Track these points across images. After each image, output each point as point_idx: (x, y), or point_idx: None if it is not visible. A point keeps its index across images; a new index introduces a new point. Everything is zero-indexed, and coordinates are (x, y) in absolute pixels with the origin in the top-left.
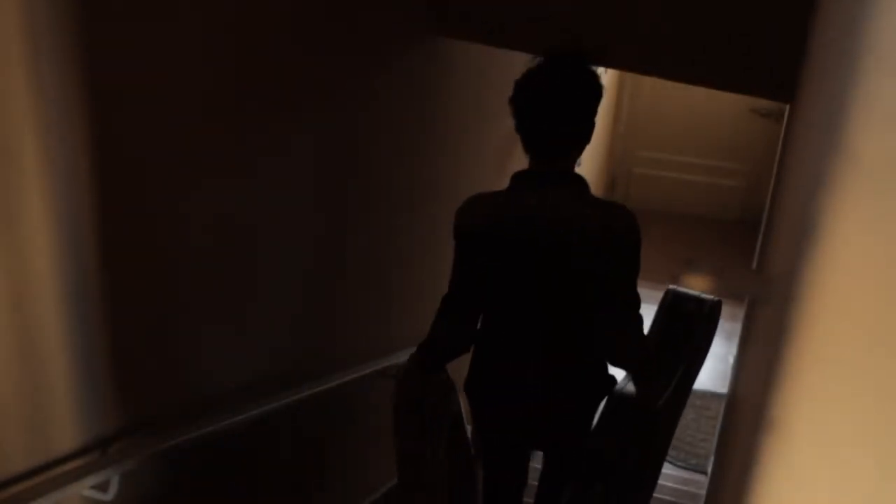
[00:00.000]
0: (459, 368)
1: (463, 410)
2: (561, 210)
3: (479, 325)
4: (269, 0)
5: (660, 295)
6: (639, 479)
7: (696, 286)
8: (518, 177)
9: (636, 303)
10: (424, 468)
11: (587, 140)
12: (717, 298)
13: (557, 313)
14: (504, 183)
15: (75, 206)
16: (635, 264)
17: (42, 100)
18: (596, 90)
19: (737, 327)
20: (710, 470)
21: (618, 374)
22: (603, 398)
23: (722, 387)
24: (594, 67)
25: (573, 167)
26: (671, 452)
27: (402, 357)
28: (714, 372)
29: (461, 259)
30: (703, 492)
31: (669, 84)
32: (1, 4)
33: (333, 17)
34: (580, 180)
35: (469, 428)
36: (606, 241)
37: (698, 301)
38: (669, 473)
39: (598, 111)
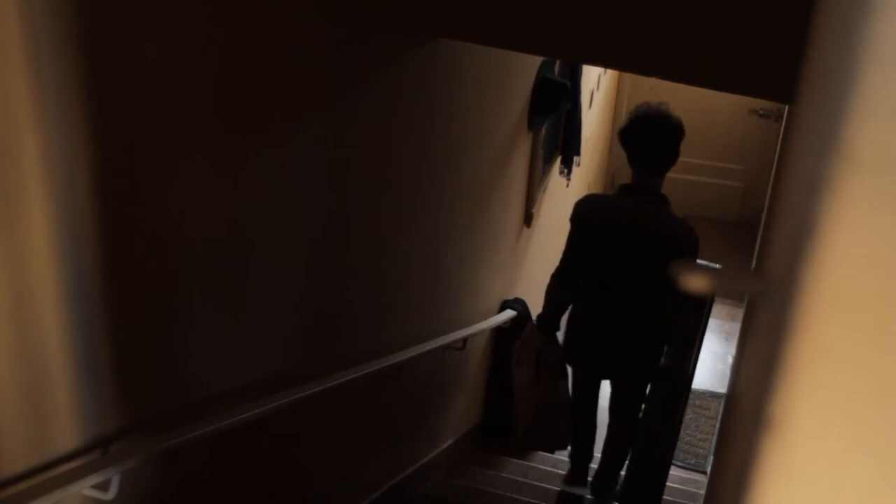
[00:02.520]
0: None
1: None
2: (647, 217)
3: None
4: (270, 1)
5: None
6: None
7: (695, 286)
8: (623, 188)
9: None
10: (534, 396)
11: (673, 163)
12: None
13: (633, 289)
14: (504, 183)
15: (76, 206)
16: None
17: (42, 99)
18: (679, 132)
19: (735, 327)
20: (709, 469)
21: None
22: (656, 355)
23: (721, 386)
24: (675, 115)
25: (661, 185)
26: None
27: (404, 356)
28: (713, 372)
29: (575, 239)
30: (703, 491)
31: (669, 84)
32: (1, 4)
33: (333, 17)
34: (664, 198)
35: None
36: (672, 244)
37: None
38: (669, 473)
39: (680, 144)
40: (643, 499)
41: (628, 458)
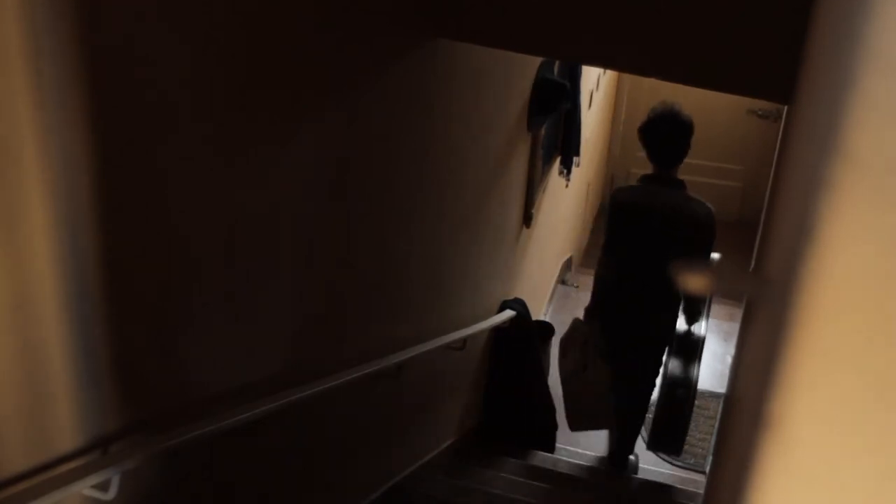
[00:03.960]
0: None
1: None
2: (671, 201)
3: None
4: (270, 1)
5: None
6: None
7: (695, 286)
8: (646, 178)
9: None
10: (582, 382)
11: (685, 155)
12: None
13: (661, 265)
14: (504, 183)
15: (76, 207)
16: (711, 239)
17: (42, 99)
18: (690, 129)
19: (735, 327)
20: (708, 469)
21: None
22: (672, 325)
23: (720, 386)
24: (686, 113)
25: (677, 173)
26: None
27: (404, 356)
28: (712, 371)
29: (612, 226)
30: (702, 491)
31: (668, 85)
32: (1, 4)
33: (333, 17)
34: (682, 183)
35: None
36: (695, 223)
37: None
38: (668, 472)
39: (691, 140)
40: (672, 434)
41: (658, 402)
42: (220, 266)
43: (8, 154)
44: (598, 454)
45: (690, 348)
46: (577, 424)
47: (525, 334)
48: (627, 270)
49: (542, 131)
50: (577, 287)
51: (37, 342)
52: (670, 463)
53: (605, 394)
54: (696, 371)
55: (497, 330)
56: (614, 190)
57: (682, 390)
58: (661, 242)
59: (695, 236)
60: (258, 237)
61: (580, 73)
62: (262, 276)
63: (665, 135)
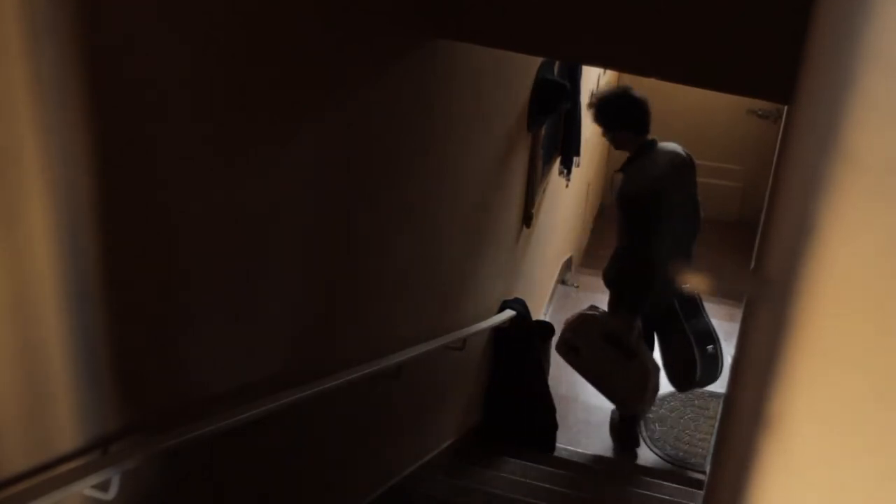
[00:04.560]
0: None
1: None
2: (669, 159)
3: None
4: (270, 1)
5: None
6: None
7: (696, 286)
8: (639, 150)
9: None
10: (637, 369)
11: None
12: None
13: (670, 216)
14: (504, 183)
15: (76, 206)
16: (694, 170)
17: (42, 99)
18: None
19: (735, 327)
20: (708, 469)
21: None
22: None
23: (720, 386)
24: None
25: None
26: (670, 452)
27: (404, 356)
28: None
29: (633, 216)
30: (702, 491)
31: (667, 85)
32: (1, 2)
33: (334, 17)
34: (655, 141)
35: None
36: (691, 166)
37: None
38: (668, 472)
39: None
40: (709, 376)
41: (690, 357)
42: (220, 266)
43: (8, 154)
44: (599, 454)
45: (692, 305)
46: (644, 406)
47: (525, 334)
48: (666, 247)
49: (542, 131)
50: (577, 287)
51: (37, 342)
52: (670, 463)
53: (657, 369)
54: (709, 321)
55: (497, 330)
56: (626, 180)
57: (710, 344)
58: (674, 204)
59: (689, 177)
60: (258, 237)
61: (580, 73)
62: (262, 276)
63: (644, 108)
